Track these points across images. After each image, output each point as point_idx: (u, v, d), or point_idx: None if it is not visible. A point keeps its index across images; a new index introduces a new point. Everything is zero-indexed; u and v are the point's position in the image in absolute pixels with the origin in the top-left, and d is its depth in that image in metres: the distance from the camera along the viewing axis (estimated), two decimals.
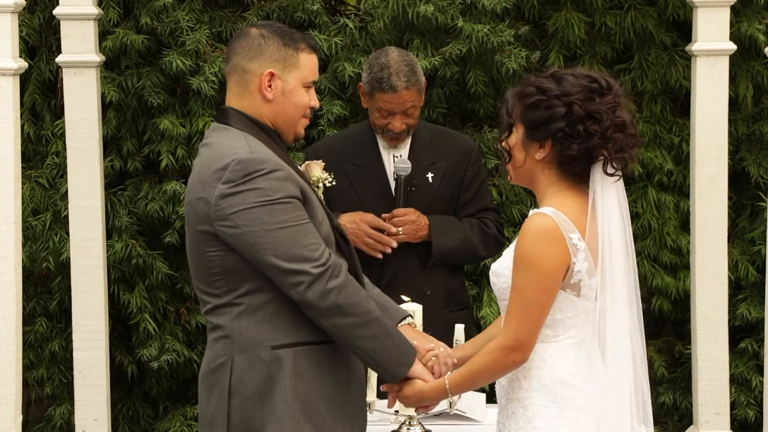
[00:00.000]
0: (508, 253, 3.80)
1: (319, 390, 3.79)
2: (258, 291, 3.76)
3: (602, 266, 3.72)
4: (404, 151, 5.06)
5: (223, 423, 3.78)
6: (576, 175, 3.74)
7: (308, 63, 3.88)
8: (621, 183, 3.75)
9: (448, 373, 3.84)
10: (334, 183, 4.34)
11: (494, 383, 3.86)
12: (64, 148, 5.95)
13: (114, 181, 6.35)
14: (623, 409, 3.73)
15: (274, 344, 3.76)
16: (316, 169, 4.11)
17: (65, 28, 5.73)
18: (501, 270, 3.79)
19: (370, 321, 3.74)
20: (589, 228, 3.72)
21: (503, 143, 3.79)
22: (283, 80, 3.84)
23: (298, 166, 4.00)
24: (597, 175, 3.71)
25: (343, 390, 3.84)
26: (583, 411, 3.72)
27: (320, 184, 4.06)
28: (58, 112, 6.32)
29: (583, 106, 3.67)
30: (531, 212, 3.74)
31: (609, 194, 3.72)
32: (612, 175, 3.71)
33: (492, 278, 3.83)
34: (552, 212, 3.68)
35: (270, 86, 3.83)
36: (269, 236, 3.67)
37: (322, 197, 4.00)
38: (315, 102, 3.92)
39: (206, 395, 3.85)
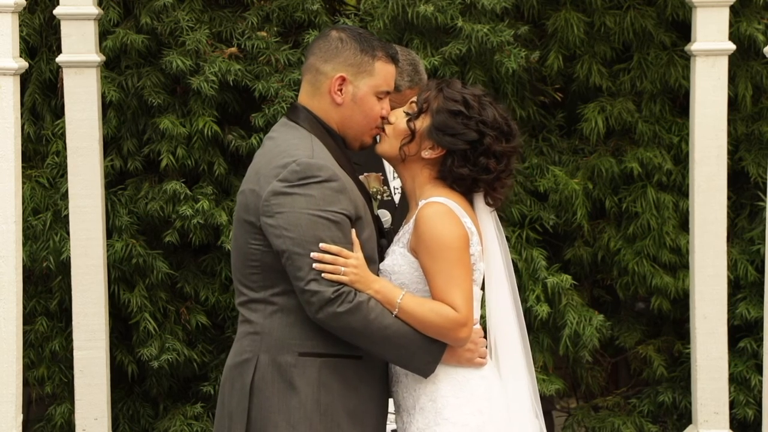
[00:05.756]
0: (398, 251, 3.91)
1: (343, 403, 3.80)
2: (294, 293, 3.77)
3: (486, 279, 3.95)
4: None
5: (243, 419, 3.79)
6: (449, 186, 3.92)
7: (383, 72, 3.90)
8: (494, 212, 3.98)
9: (404, 292, 3.84)
10: (390, 198, 4.34)
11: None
12: (65, 148, 5.95)
13: (114, 181, 6.36)
14: (523, 403, 3.93)
15: (302, 350, 3.77)
16: (375, 182, 4.13)
17: (65, 28, 5.74)
18: (392, 268, 3.90)
19: (388, 336, 3.74)
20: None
21: (411, 123, 3.91)
22: (354, 86, 3.86)
23: (360, 177, 4.03)
24: (479, 202, 3.94)
25: (366, 404, 3.86)
26: (486, 398, 3.86)
27: (377, 197, 4.08)
28: (59, 112, 6.32)
29: (493, 143, 3.87)
30: (421, 203, 3.88)
31: (488, 221, 3.95)
32: (490, 205, 3.94)
33: (384, 277, 3.91)
34: (443, 200, 3.85)
35: (340, 90, 3.86)
36: (302, 247, 3.69)
37: (375, 209, 4.02)
38: (387, 111, 3.93)
39: (229, 388, 3.86)
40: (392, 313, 3.76)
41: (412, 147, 3.90)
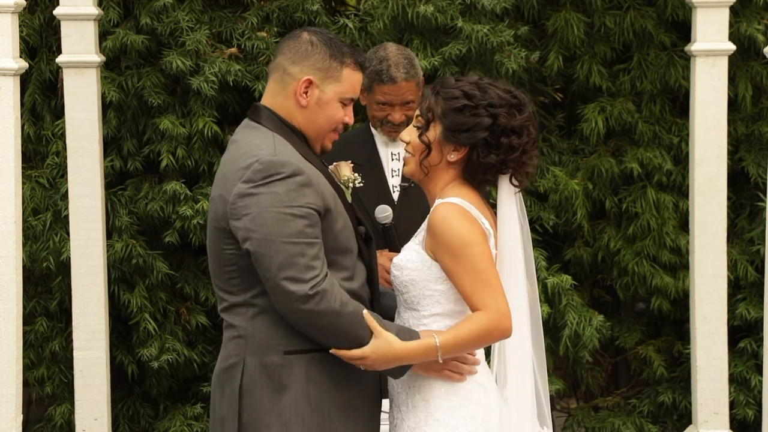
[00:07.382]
0: (412, 247, 3.91)
1: (333, 397, 3.80)
2: None
3: (501, 268, 3.88)
4: (402, 145, 5.07)
5: (234, 423, 3.79)
6: (479, 181, 3.90)
7: (350, 79, 3.88)
8: (520, 194, 3.94)
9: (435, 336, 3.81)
10: (362, 184, 4.36)
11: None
12: (65, 148, 5.95)
13: (114, 181, 6.36)
14: (524, 407, 3.90)
15: (287, 349, 3.77)
16: (345, 170, 4.11)
17: (65, 28, 5.74)
18: (404, 263, 3.89)
19: (353, 339, 3.76)
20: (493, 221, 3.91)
21: (423, 137, 3.89)
22: (320, 90, 3.85)
23: (328, 167, 4.00)
24: (504, 185, 3.91)
25: (357, 397, 3.86)
26: (480, 404, 3.85)
27: (349, 185, 4.06)
28: (59, 112, 6.33)
29: (508, 120, 3.84)
30: (437, 202, 3.86)
31: (511, 206, 3.91)
32: (517, 186, 3.90)
33: (394, 271, 3.92)
34: (458, 201, 3.83)
35: (305, 93, 3.84)
36: (269, 246, 3.67)
37: (349, 198, 4.00)
38: (350, 119, 3.92)
39: (219, 394, 3.87)
40: (436, 356, 3.75)
41: (434, 158, 3.89)
